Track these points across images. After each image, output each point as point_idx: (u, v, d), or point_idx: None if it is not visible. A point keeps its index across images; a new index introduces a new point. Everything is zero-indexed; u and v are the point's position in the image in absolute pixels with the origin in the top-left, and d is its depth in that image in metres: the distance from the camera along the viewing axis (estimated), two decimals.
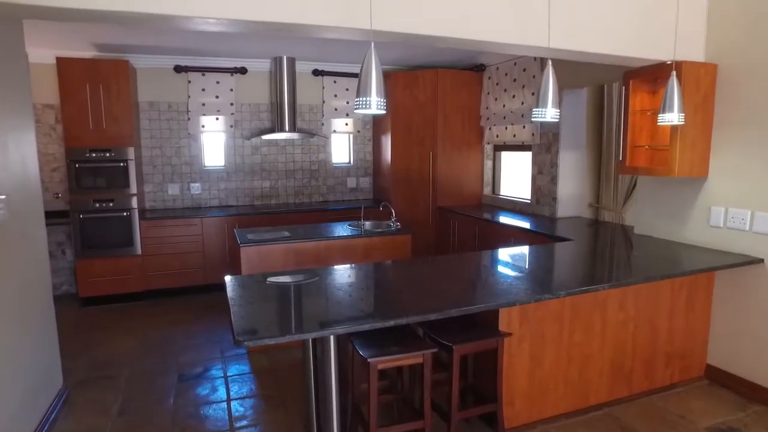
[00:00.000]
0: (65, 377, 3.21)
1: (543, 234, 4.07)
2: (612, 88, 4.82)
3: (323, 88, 5.96)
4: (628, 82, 3.55)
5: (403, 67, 6.07)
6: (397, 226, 4.31)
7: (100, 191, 4.79)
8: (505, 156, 5.84)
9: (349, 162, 6.34)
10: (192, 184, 5.63)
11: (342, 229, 4.22)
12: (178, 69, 5.37)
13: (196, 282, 5.22)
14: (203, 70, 5.46)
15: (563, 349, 2.83)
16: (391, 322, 2.03)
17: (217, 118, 5.60)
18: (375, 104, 1.90)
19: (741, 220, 3.26)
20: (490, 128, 5.66)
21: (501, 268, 2.98)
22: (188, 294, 5.24)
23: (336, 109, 6.04)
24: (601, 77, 4.35)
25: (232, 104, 5.60)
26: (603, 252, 3.63)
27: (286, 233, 4.00)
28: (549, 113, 2.60)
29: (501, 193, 5.83)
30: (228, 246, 5.24)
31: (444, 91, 5.53)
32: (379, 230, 4.18)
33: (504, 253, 3.33)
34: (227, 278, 2.61)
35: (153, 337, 4.14)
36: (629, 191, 4.94)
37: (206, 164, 5.72)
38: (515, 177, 5.88)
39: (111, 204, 4.83)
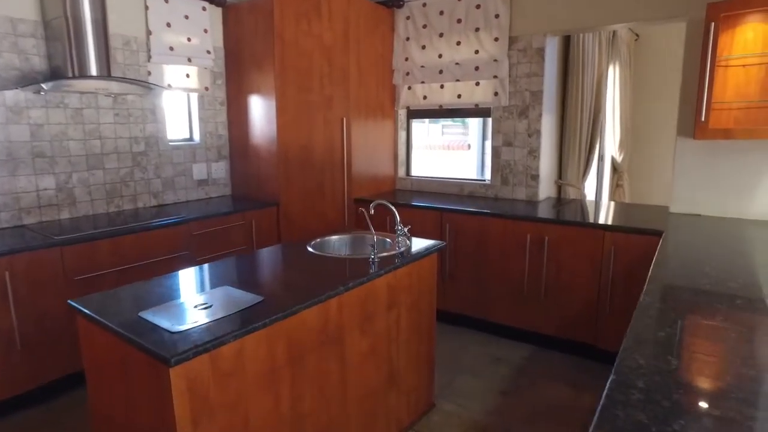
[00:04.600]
0: None
1: (588, 225, 2.79)
2: (580, 40, 3.83)
3: (147, 8, 3.24)
4: (717, 17, 2.54)
5: None
6: (408, 240, 2.36)
7: None
8: (416, 126, 4.32)
9: (191, 138, 3.77)
10: None
11: (337, 267, 2.05)
12: None
13: None
14: None
15: None
16: None
17: None
18: None
19: None
20: (409, 87, 4.01)
21: None
22: None
23: (171, 49, 3.39)
24: (564, 25, 3.24)
25: None
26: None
27: (247, 294, 1.64)
28: None
29: (414, 174, 4.29)
30: None
31: (358, 29, 3.61)
32: (397, 255, 2.17)
33: None
34: None
35: None
36: (587, 164, 4.12)
37: None
38: (432, 152, 4.46)
39: None
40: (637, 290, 2.70)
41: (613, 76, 4.98)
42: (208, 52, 3.59)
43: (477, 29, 3.53)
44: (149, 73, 3.29)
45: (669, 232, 2.51)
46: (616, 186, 5.59)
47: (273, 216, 3.64)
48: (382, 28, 3.84)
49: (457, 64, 3.66)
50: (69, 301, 1.59)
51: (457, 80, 3.70)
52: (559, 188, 3.94)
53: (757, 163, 2.77)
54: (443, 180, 3.98)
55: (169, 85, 3.41)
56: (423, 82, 3.88)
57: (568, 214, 3.12)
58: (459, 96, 3.74)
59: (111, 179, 3.19)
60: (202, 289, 1.71)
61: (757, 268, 1.83)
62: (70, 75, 2.69)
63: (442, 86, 3.82)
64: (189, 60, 3.49)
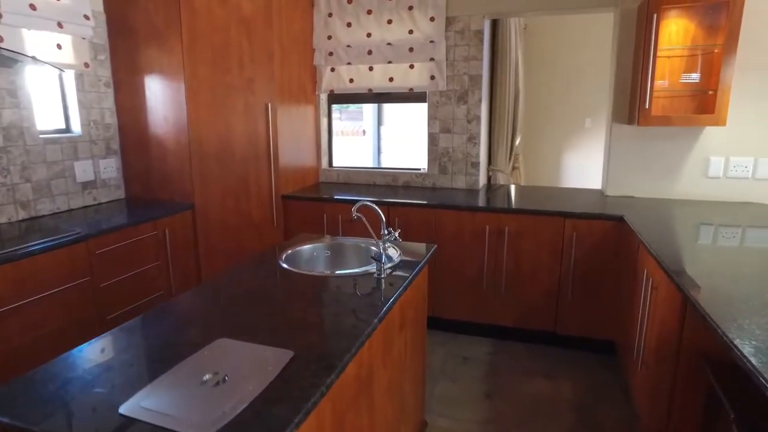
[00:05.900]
0: None
1: (549, 213, 2.72)
2: (507, 25, 3.75)
3: None
4: (659, 8, 2.59)
5: None
6: (398, 247, 2.02)
7: None
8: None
9: (69, 129, 2.89)
10: None
11: (345, 290, 1.62)
12: None
13: None
14: None
15: None
16: None
17: None
18: None
19: (744, 168, 2.94)
20: (333, 69, 3.58)
21: None
22: None
23: (33, 8, 2.50)
24: (502, 7, 3.15)
25: None
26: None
27: (261, 349, 1.16)
28: None
29: (336, 165, 3.90)
30: None
31: (280, 2, 3.07)
32: (396, 266, 1.82)
33: None
34: None
35: None
36: (512, 149, 4.13)
37: None
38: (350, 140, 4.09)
39: None
40: (599, 275, 2.72)
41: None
42: (87, 17, 2.75)
43: (410, 7, 3.24)
44: (0, 39, 2.40)
45: (626, 216, 2.55)
46: (512, 169, 5.81)
47: (188, 221, 2.99)
48: (302, 2, 3.34)
49: (388, 44, 3.34)
50: None
51: (389, 62, 3.39)
52: (489, 175, 3.90)
53: (681, 147, 2.96)
54: (373, 170, 3.67)
55: (34, 57, 2.54)
56: (349, 64, 3.48)
57: (511, 201, 3.05)
58: (391, 79, 3.43)
59: None
60: (184, 350, 1.20)
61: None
62: None
63: (371, 68, 3.47)
64: (60, 25, 2.63)
